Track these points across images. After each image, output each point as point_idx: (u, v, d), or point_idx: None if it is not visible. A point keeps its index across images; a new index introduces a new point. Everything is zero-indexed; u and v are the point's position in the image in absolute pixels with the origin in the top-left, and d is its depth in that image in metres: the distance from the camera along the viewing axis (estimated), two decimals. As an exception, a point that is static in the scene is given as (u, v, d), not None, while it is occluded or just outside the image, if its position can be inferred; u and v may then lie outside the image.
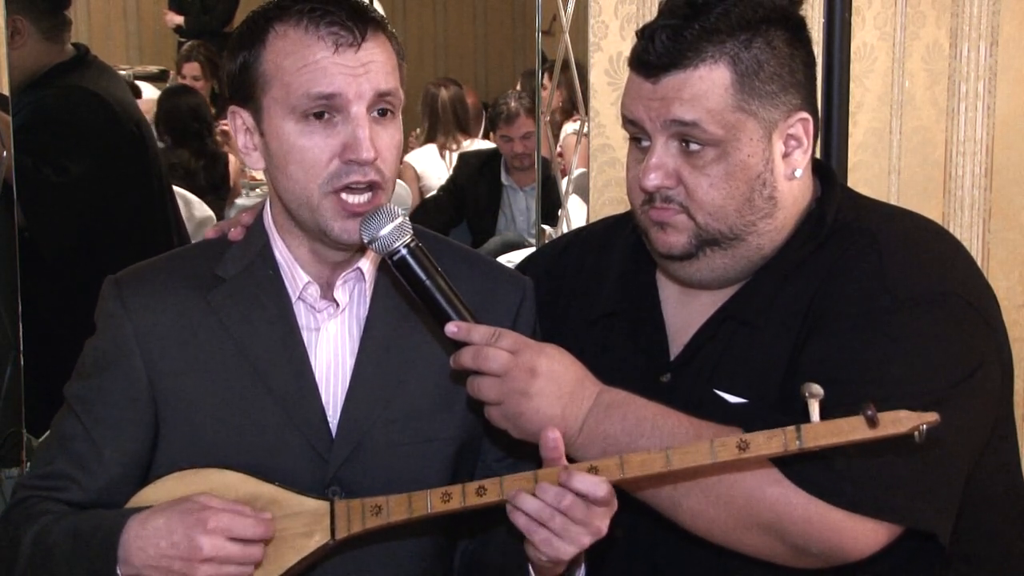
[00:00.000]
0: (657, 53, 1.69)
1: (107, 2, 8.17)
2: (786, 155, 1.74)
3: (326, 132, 1.63)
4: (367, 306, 1.74)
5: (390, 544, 1.71)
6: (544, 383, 1.61)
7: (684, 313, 1.83)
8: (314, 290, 1.73)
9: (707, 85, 1.68)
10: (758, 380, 1.72)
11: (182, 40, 7.28)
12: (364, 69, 1.63)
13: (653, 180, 1.72)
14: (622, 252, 1.93)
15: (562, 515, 1.50)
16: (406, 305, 1.75)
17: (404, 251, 1.61)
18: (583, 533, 1.52)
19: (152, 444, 1.73)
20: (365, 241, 1.62)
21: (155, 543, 1.56)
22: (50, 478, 1.72)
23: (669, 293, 1.87)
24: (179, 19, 7.49)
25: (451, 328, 1.61)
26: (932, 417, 1.44)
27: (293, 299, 1.73)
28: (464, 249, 1.91)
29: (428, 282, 1.62)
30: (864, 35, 2.86)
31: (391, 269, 1.64)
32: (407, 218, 1.62)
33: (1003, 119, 3.00)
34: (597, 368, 1.71)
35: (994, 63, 2.96)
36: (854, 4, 2.68)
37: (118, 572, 1.58)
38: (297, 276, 1.73)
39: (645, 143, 1.75)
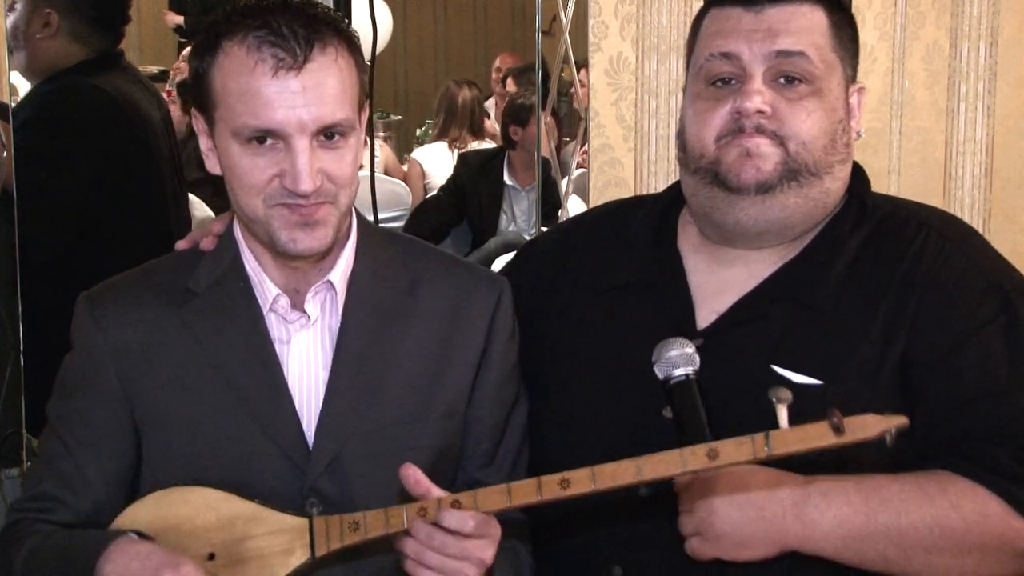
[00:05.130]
0: None
1: (107, 2, 8.15)
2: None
3: (268, 156, 1.61)
4: (339, 318, 1.73)
5: (374, 559, 1.71)
6: (726, 507, 1.62)
7: (713, 282, 1.83)
8: (284, 301, 1.72)
9: (810, 21, 1.75)
10: (829, 363, 1.71)
11: (182, 40, 7.28)
12: (305, 99, 1.58)
13: (756, 102, 1.72)
14: (642, 225, 1.93)
15: (436, 552, 1.52)
16: (379, 316, 1.74)
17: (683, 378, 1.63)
18: (465, 566, 1.53)
19: (136, 460, 1.72)
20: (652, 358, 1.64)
21: (127, 562, 1.56)
22: (38, 499, 1.72)
23: (695, 263, 1.86)
24: (179, 19, 7.49)
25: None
26: (900, 420, 1.44)
27: (264, 311, 1.72)
28: (440, 253, 1.89)
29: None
30: (864, 35, 2.85)
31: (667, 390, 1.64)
32: (695, 352, 1.63)
33: (1003, 119, 3.00)
34: (604, 338, 1.72)
35: (994, 63, 2.96)
36: (854, 4, 2.68)
37: None
38: (267, 288, 1.72)
39: (734, 83, 1.76)
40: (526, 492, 1.53)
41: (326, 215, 1.64)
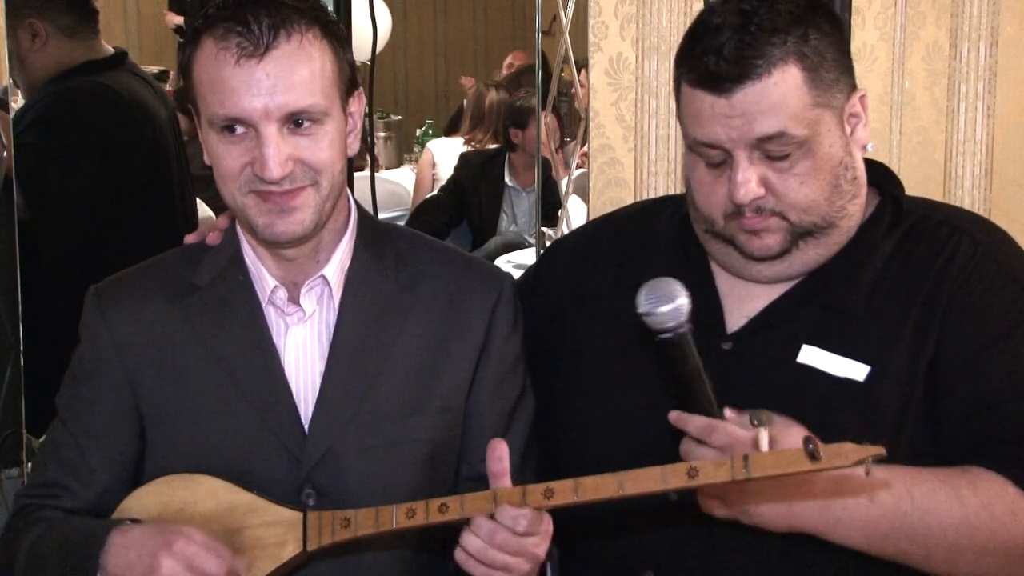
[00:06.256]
0: (728, 61, 1.64)
1: (107, 2, 8.17)
2: (851, 133, 1.75)
3: (241, 145, 1.63)
4: (335, 312, 1.74)
5: (364, 556, 1.72)
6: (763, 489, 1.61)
7: (741, 285, 1.82)
8: (282, 294, 1.74)
9: (783, 90, 1.65)
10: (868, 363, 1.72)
11: (182, 40, 7.27)
12: (269, 86, 1.59)
13: (747, 194, 1.69)
14: (667, 228, 1.93)
15: (496, 549, 1.54)
16: (376, 310, 1.75)
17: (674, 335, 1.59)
18: (520, 562, 1.56)
19: (140, 452, 1.76)
20: (640, 311, 1.60)
21: (126, 553, 1.59)
22: (45, 486, 1.76)
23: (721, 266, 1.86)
24: (179, 19, 7.49)
25: (672, 415, 1.61)
26: (877, 450, 1.44)
27: (263, 304, 1.74)
28: (442, 247, 1.91)
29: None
30: (864, 35, 2.86)
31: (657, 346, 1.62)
32: (688, 300, 1.59)
33: (1003, 119, 3.00)
34: (632, 339, 1.71)
35: (994, 63, 2.96)
36: (854, 4, 2.67)
37: None
38: (265, 281, 1.74)
39: (719, 160, 1.71)
40: (511, 499, 1.55)
41: (303, 201, 1.65)
